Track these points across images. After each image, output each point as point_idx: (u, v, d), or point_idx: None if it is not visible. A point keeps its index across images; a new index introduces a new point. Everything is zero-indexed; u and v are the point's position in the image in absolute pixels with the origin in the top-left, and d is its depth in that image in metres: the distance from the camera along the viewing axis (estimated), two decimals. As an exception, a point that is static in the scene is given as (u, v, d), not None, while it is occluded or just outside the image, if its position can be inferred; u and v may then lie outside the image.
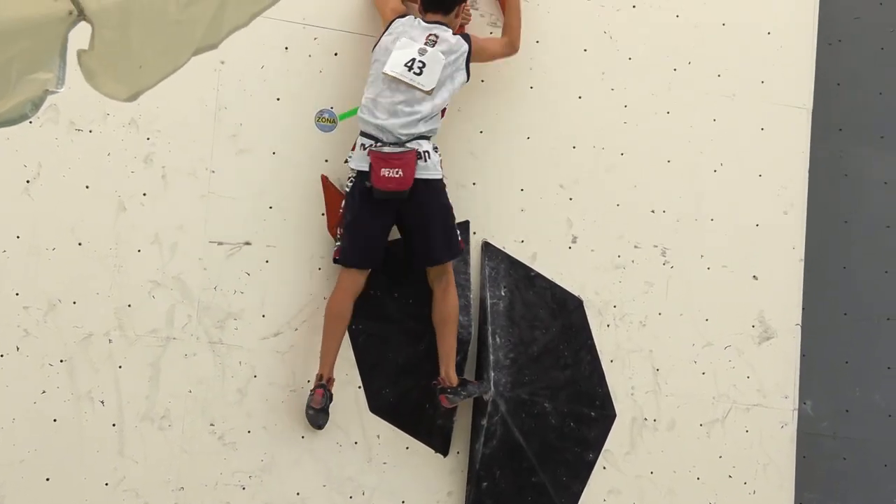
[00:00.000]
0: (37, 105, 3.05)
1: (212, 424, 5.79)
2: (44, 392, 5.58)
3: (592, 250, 6.31)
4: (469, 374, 6.07)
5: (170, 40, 2.99)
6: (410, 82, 5.61)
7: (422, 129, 5.63)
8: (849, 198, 7.03)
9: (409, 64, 5.63)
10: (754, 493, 6.45)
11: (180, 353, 5.74)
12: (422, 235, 5.76)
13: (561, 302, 6.26)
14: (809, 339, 6.62)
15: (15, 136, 5.43)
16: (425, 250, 5.78)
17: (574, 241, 6.30)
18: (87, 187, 5.65)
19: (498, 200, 6.18)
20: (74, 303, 5.61)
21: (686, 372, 6.40)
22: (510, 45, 5.97)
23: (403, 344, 6.03)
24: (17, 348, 5.55)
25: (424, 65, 5.63)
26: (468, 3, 5.97)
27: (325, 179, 5.94)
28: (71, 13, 2.98)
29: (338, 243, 5.78)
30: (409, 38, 5.67)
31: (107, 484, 5.65)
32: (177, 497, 5.73)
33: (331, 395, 5.66)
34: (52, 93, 3.03)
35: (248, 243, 5.86)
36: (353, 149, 5.73)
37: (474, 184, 6.12)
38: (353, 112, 5.87)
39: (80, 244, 5.63)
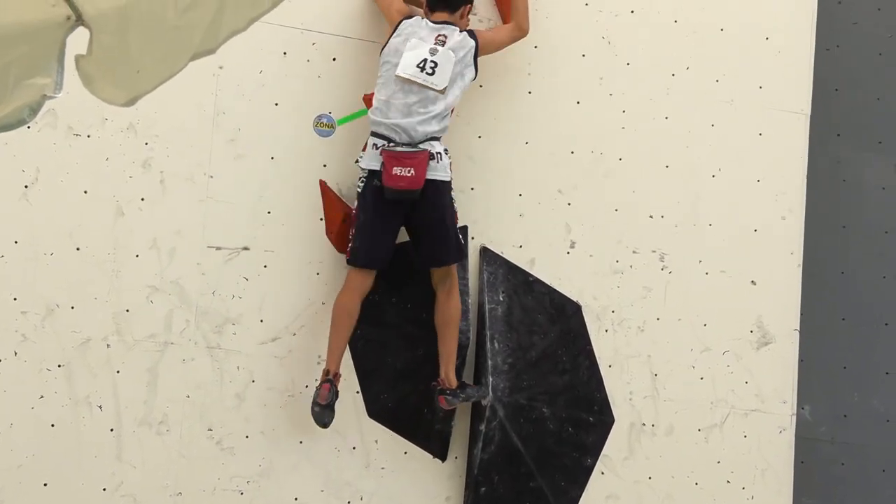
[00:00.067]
0: (35, 110, 3.05)
1: (210, 429, 5.78)
2: (42, 397, 5.58)
3: (591, 255, 6.32)
4: (467, 379, 6.06)
5: (168, 45, 3.00)
6: (423, 83, 5.63)
7: (435, 127, 5.65)
8: (847, 203, 7.04)
9: (420, 65, 5.64)
10: (752, 498, 6.45)
11: (178, 358, 5.74)
12: (431, 236, 5.76)
13: (559, 307, 6.26)
14: (808, 344, 6.62)
15: (13, 141, 5.43)
16: (434, 251, 5.79)
17: (572, 246, 6.30)
18: (85, 192, 5.65)
19: (496, 205, 6.18)
20: (72, 308, 5.61)
21: (684, 377, 6.40)
22: (518, 29, 5.97)
23: (402, 349, 6.03)
24: (15, 353, 5.54)
25: (436, 64, 5.65)
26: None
27: (323, 184, 5.94)
28: (69, 18, 2.98)
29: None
30: (418, 38, 5.69)
31: (105, 489, 5.65)
32: (175, 502, 5.73)
33: (337, 392, 5.63)
34: (51, 98, 3.03)
35: (246, 248, 5.85)
36: (363, 149, 5.73)
37: (473, 189, 6.12)
38: (352, 117, 5.88)
39: (78, 249, 5.63)
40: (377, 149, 5.63)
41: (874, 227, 7.06)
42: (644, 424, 6.35)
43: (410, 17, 5.79)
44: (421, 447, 6.06)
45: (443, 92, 5.65)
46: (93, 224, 5.65)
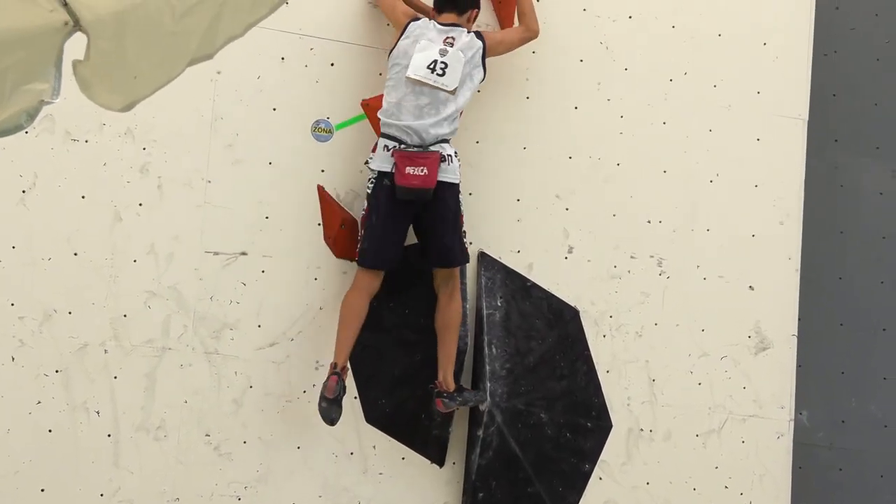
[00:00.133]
0: (32, 115, 3.05)
1: (207, 435, 5.78)
2: (39, 402, 5.57)
3: (589, 260, 6.32)
4: (465, 384, 6.05)
5: (165, 51, 3.00)
6: (434, 84, 5.65)
7: (446, 130, 5.68)
8: (845, 208, 7.04)
9: (431, 66, 5.66)
10: (751, 503, 6.45)
11: (176, 364, 5.74)
12: (439, 237, 5.77)
13: (557, 312, 6.26)
14: (805, 350, 6.62)
15: (10, 147, 5.43)
16: (441, 252, 5.80)
17: (570, 252, 6.30)
18: (82, 197, 5.64)
19: (494, 210, 6.18)
20: (70, 313, 5.61)
21: (682, 382, 6.40)
22: (528, 30, 6.00)
23: (399, 354, 6.02)
24: (13, 358, 5.54)
25: (447, 65, 5.67)
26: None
27: (321, 189, 5.94)
28: (67, 24, 2.98)
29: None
30: (427, 39, 5.70)
31: (102, 495, 5.64)
32: (172, 508, 5.73)
33: (345, 386, 5.59)
34: (48, 103, 3.02)
35: (244, 253, 5.85)
36: (373, 150, 5.74)
37: (470, 194, 6.12)
38: (350, 122, 5.88)
39: (75, 254, 5.62)
40: (388, 150, 5.64)
41: (872, 232, 7.06)
42: (642, 430, 6.35)
43: (417, 18, 5.80)
44: (419, 453, 6.06)
45: (453, 93, 5.67)
46: (90, 229, 5.64)
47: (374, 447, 6.00)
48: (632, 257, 6.37)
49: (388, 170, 5.63)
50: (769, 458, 6.48)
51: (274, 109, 5.91)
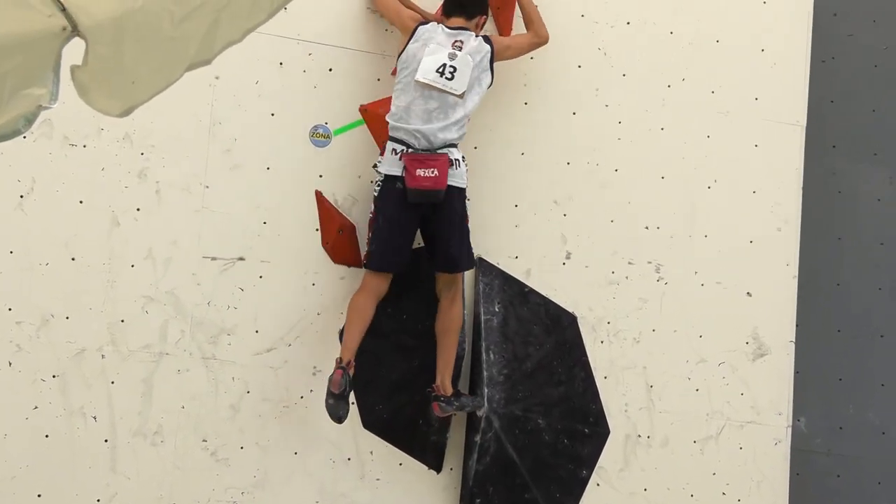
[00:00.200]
0: (30, 120, 3.05)
1: (204, 440, 5.77)
2: (36, 407, 5.56)
3: (586, 266, 6.31)
4: (463, 390, 6.06)
5: (163, 56, 3.00)
6: (443, 88, 5.65)
7: (454, 134, 5.70)
8: (842, 214, 7.04)
9: (440, 70, 5.67)
10: (748, 510, 6.45)
11: (173, 369, 5.73)
12: (446, 241, 5.78)
13: (555, 318, 6.26)
14: (803, 356, 6.62)
15: (8, 152, 5.43)
16: (447, 256, 5.81)
17: (568, 257, 6.30)
18: (80, 202, 5.64)
19: (492, 216, 6.18)
20: (67, 318, 5.60)
21: (680, 388, 6.40)
22: (537, 36, 6.02)
23: (397, 360, 6.02)
24: (10, 363, 5.53)
25: (455, 69, 5.68)
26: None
27: (319, 195, 5.93)
28: (65, 29, 2.98)
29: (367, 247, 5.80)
30: (436, 43, 5.70)
31: (99, 500, 5.63)
32: (169, 513, 5.72)
33: (350, 381, 5.54)
34: (46, 108, 3.02)
35: (241, 258, 5.85)
36: (381, 154, 5.74)
37: (468, 199, 6.11)
38: (348, 127, 5.88)
39: (73, 259, 5.62)
40: (396, 154, 5.64)
41: (869, 238, 7.06)
42: (640, 436, 6.34)
43: (426, 22, 5.80)
44: (416, 458, 6.05)
45: (461, 97, 5.69)
46: (88, 234, 5.64)
47: (372, 453, 6.00)
48: (629, 263, 6.37)
49: (397, 173, 5.64)
50: (767, 465, 6.48)
51: (272, 115, 5.91)
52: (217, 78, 5.79)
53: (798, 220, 6.59)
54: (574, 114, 6.34)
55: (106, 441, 5.65)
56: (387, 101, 5.89)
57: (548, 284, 6.26)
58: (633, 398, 6.35)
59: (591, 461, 6.26)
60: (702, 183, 6.48)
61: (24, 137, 5.25)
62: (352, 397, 5.91)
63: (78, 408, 5.61)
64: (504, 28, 6.15)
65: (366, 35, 6.02)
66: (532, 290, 6.23)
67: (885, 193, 7.07)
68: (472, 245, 6.09)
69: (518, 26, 6.16)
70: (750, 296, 6.50)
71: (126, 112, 3.11)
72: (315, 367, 5.89)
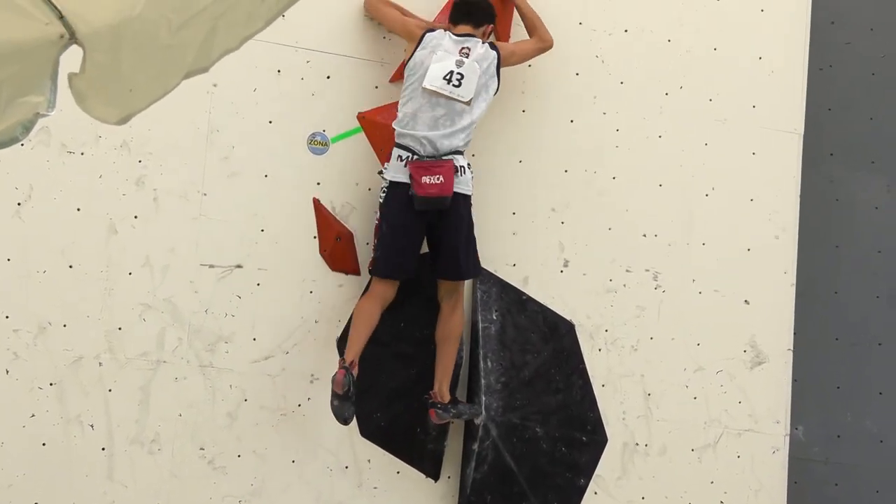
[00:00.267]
0: (28, 128, 3.05)
1: (202, 448, 5.76)
2: (33, 415, 5.55)
3: (584, 274, 6.31)
4: (461, 398, 6.04)
5: (161, 64, 3.00)
6: (450, 95, 5.67)
7: (460, 142, 5.71)
8: (840, 222, 7.04)
9: (447, 77, 5.68)
10: (746, 518, 6.44)
11: (170, 377, 5.72)
12: (453, 249, 5.78)
13: (552, 326, 6.25)
14: (801, 364, 6.61)
15: (6, 159, 5.42)
16: (452, 264, 5.81)
17: (566, 265, 6.30)
18: (78, 210, 5.64)
19: (490, 224, 6.17)
20: (65, 325, 5.59)
21: (677, 397, 6.39)
22: (542, 41, 6.05)
23: (396, 368, 6.01)
24: (7, 371, 5.52)
25: (463, 76, 5.69)
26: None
27: (317, 202, 5.93)
28: (62, 37, 2.98)
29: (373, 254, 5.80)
30: (444, 50, 5.71)
31: (96, 508, 5.63)
32: (166, 521, 5.71)
33: (354, 381, 5.50)
34: (44, 115, 3.03)
35: (239, 266, 5.84)
36: (387, 160, 5.74)
37: (466, 207, 6.12)
38: (346, 135, 5.88)
39: (70, 267, 5.61)
40: (402, 161, 5.64)
41: (867, 246, 7.06)
42: (637, 444, 6.34)
43: (433, 29, 5.81)
44: (414, 467, 6.04)
45: (469, 104, 5.69)
46: (86, 242, 5.64)
47: (369, 461, 5.99)
48: (627, 271, 6.37)
49: (403, 180, 5.64)
50: (764, 473, 6.47)
51: (270, 122, 5.91)
52: (215, 85, 5.79)
53: (796, 227, 6.59)
54: (572, 121, 6.34)
55: (103, 449, 5.64)
56: (385, 109, 5.89)
57: (545, 292, 6.26)
58: (631, 406, 6.34)
59: (588, 469, 6.25)
60: (699, 191, 6.48)
61: (22, 145, 5.25)
62: (350, 404, 5.92)
63: (75, 416, 5.60)
64: (502, 35, 6.15)
65: (364, 43, 6.02)
66: (530, 298, 6.22)
67: (882, 201, 7.07)
68: (472, 252, 6.11)
69: (516, 33, 6.16)
70: (748, 304, 6.50)
71: (124, 120, 3.11)
72: (313, 375, 5.88)
